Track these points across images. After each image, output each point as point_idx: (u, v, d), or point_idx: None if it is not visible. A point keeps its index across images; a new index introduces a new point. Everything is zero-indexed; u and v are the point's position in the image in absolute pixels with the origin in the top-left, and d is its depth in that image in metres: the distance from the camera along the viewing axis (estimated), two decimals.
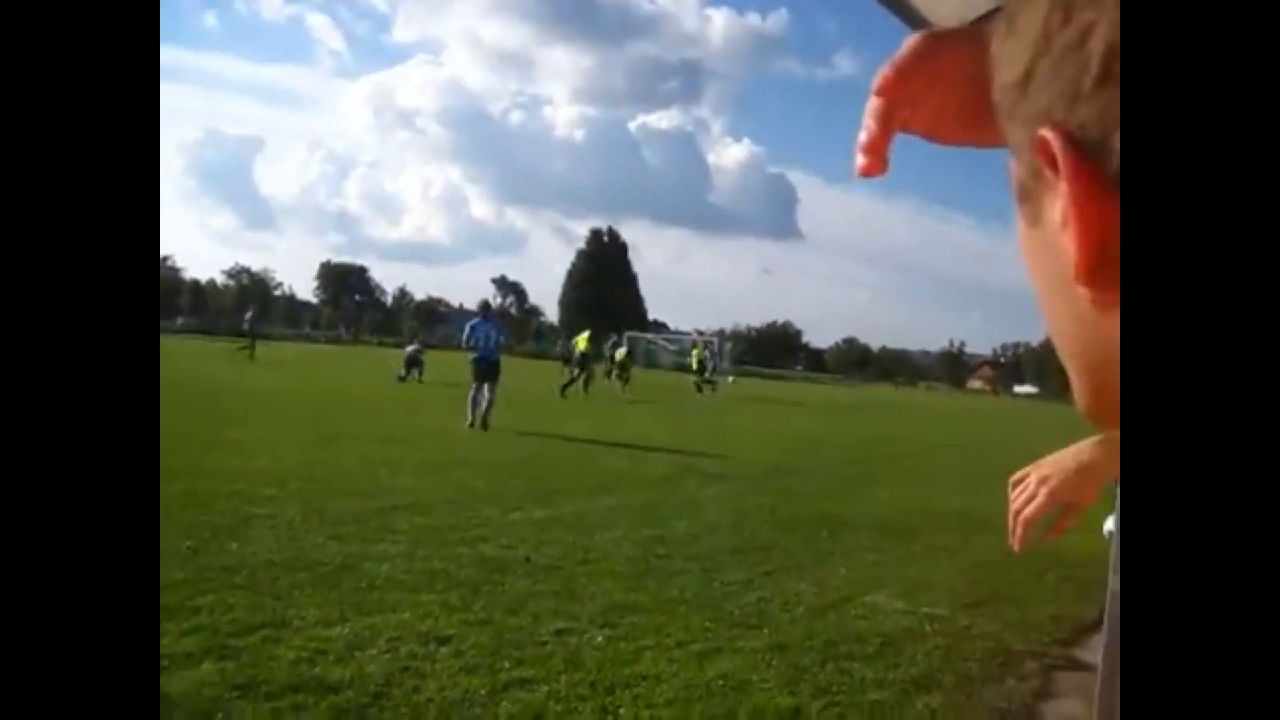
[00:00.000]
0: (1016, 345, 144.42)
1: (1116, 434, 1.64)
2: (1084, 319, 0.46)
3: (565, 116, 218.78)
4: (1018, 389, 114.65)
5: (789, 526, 8.29)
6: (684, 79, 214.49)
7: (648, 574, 6.18)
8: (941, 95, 0.80)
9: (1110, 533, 8.41)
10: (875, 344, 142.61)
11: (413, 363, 28.91)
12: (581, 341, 29.15)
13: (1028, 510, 1.75)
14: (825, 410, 32.65)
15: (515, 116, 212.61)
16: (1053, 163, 0.42)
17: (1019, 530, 1.76)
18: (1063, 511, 1.77)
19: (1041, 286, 0.51)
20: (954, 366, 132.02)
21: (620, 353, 33.21)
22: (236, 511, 6.99)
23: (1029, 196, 0.48)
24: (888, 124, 0.77)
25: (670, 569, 6.39)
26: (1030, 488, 1.78)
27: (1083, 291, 0.44)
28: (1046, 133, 0.42)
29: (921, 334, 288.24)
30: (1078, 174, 0.41)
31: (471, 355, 15.34)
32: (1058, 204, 0.43)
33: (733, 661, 4.59)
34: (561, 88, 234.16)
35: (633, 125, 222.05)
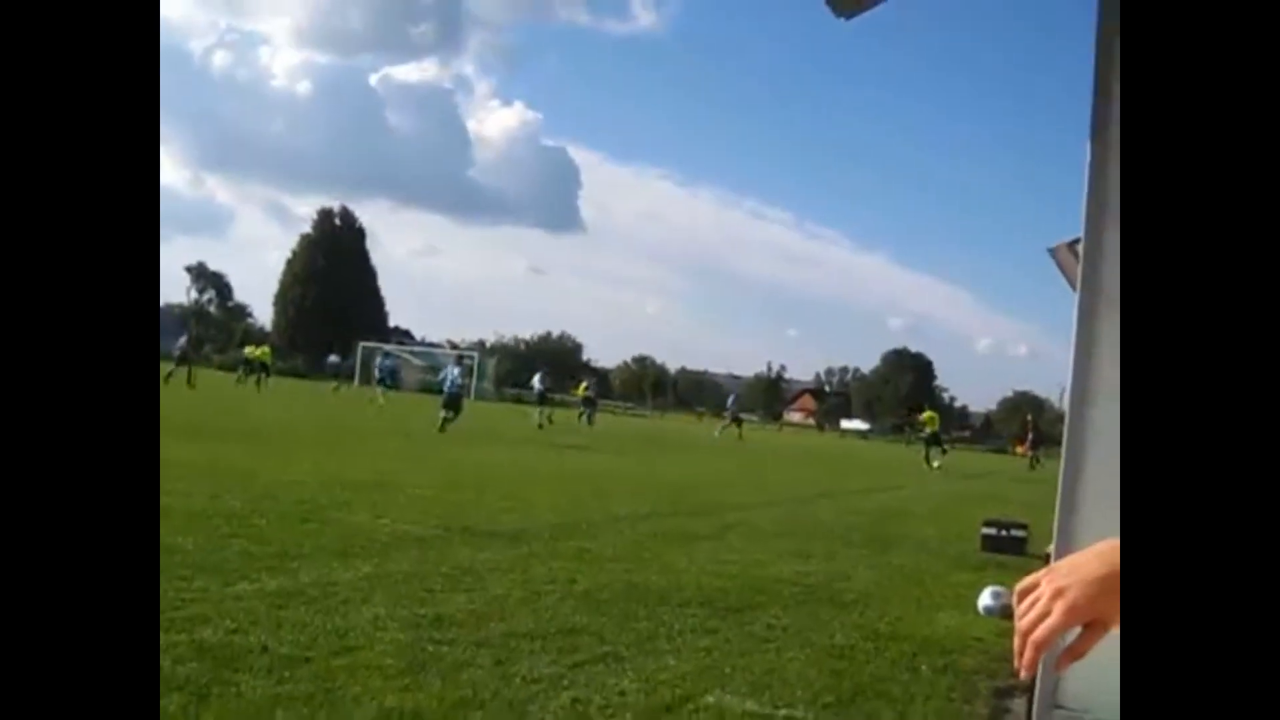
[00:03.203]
0: (844, 370, 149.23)
1: None
2: None
3: (286, 62, 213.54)
4: (845, 424, 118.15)
5: (595, 602, 8.24)
6: (441, 23, 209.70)
7: (426, 668, 6.00)
8: None
9: (987, 608, 8.74)
10: (672, 364, 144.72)
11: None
12: (580, 390, 45.29)
13: (1039, 631, 1.68)
14: (615, 445, 32.89)
15: (220, 58, 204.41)
16: None
17: (1028, 654, 1.70)
18: (1083, 632, 1.71)
19: None
20: (769, 395, 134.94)
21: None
22: None
23: None
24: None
25: (454, 660, 6.23)
26: (1042, 602, 1.72)
27: None
28: None
29: (729, 354, 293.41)
30: None
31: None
32: None
33: None
34: (282, 25, 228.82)
35: (374, 78, 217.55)
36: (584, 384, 50.60)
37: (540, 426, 40.16)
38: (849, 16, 3.75)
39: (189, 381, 41.02)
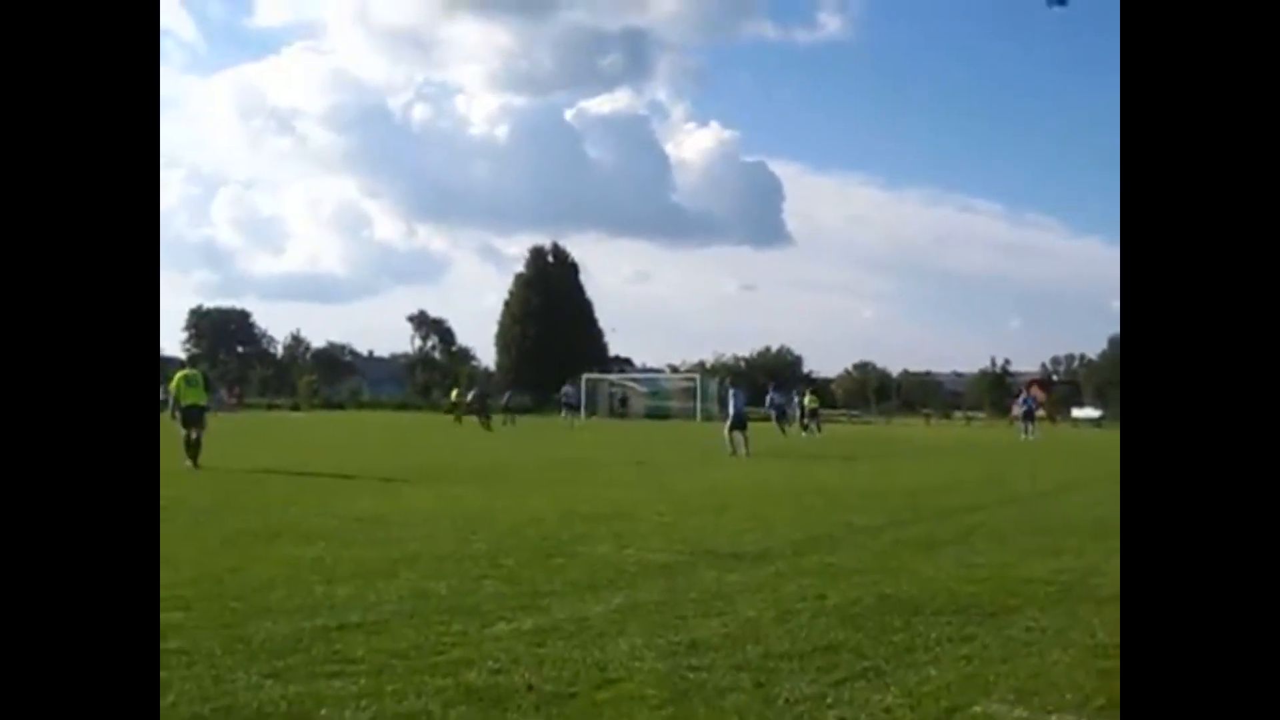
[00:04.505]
0: (1070, 359, 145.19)
1: None
2: None
3: (483, 108, 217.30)
4: (1076, 413, 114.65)
5: (848, 617, 8.15)
6: (629, 52, 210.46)
7: (689, 695, 6.01)
8: None
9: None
10: (894, 368, 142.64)
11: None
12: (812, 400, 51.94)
13: None
14: (845, 455, 32.58)
15: (420, 111, 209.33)
16: None
17: None
18: None
19: None
20: (996, 390, 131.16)
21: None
22: None
23: None
24: None
25: (715, 685, 6.22)
26: None
27: None
28: None
29: (950, 352, 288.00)
30: None
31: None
32: None
33: None
34: (476, 72, 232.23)
35: (569, 113, 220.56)
36: (807, 395, 53.85)
37: (784, 433, 45.76)
38: (1063, 4, 3.60)
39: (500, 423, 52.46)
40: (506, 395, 65.00)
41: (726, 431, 31.04)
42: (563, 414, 63.19)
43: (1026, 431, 48.52)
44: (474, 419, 53.01)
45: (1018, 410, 52.99)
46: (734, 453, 29.42)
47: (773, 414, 50.12)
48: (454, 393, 61.45)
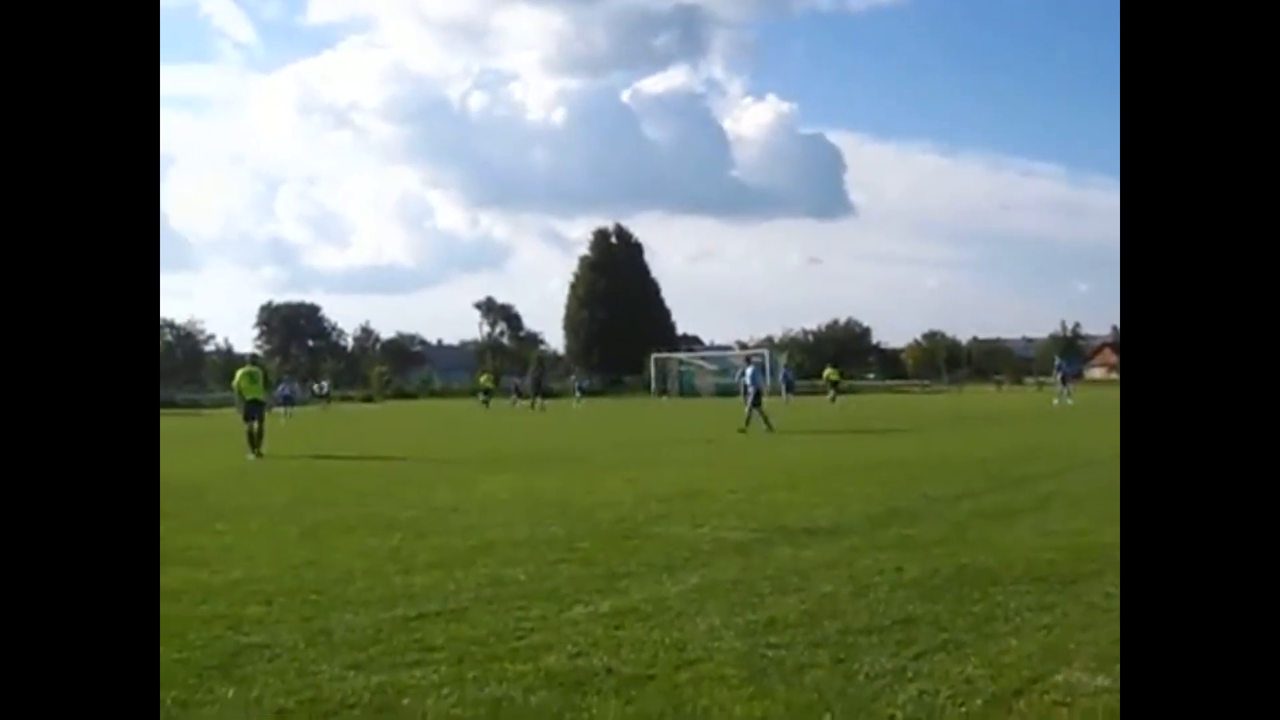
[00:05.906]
0: None
1: None
2: None
3: (540, 93, 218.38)
4: None
5: (926, 590, 8.11)
6: (682, 29, 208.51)
7: (768, 674, 6.00)
8: None
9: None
10: (963, 336, 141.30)
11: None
12: (832, 373, 55.84)
13: None
14: (918, 426, 32.46)
15: (477, 100, 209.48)
16: None
17: None
18: None
19: None
20: (1067, 353, 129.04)
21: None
22: (220, 643, 6.85)
23: None
24: None
25: (794, 663, 6.21)
26: None
27: None
28: None
29: (1019, 318, 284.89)
30: None
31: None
32: None
33: None
34: (530, 58, 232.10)
35: (625, 94, 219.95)
36: (827, 370, 58.11)
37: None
38: None
39: (537, 408, 54.34)
40: (514, 381, 69.17)
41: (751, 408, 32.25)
42: (577, 396, 67.95)
43: (1065, 395, 48.29)
44: (525, 402, 57.12)
45: (1056, 374, 52.85)
46: (745, 428, 30.78)
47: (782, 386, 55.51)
48: (484, 377, 64.86)
